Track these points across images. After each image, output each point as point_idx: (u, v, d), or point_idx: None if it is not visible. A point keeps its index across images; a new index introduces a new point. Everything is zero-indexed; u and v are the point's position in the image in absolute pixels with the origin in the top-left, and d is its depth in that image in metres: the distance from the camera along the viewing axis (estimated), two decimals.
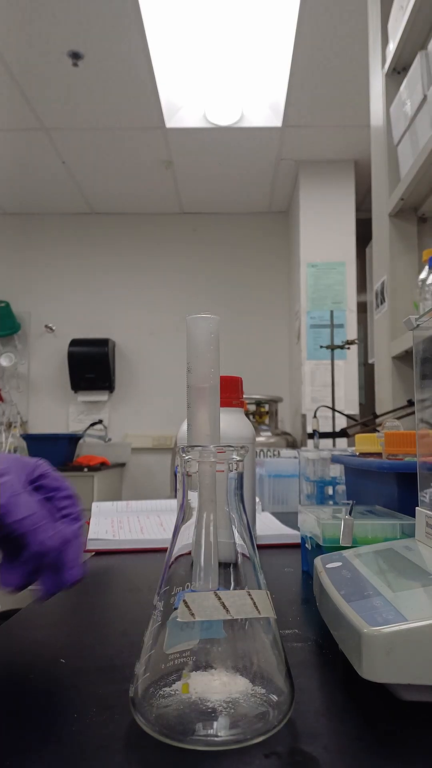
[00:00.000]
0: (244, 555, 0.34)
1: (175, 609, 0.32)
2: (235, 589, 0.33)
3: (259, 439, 3.24)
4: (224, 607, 0.31)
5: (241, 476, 0.35)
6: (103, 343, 4.09)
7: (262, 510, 1.28)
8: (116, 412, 4.19)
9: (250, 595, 0.32)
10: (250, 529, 0.35)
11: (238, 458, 0.34)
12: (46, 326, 4.21)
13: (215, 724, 0.31)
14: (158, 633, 0.33)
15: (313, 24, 2.49)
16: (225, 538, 0.34)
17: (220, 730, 0.30)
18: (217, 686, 0.32)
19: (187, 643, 0.32)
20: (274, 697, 0.32)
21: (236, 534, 0.34)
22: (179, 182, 3.93)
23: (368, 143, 2.12)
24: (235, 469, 0.34)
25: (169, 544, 0.35)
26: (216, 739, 0.30)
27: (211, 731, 0.30)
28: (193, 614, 0.31)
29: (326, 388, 3.39)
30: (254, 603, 0.32)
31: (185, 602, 0.31)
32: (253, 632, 0.33)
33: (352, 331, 3.58)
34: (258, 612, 0.32)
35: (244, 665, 0.33)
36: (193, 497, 0.34)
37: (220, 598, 0.31)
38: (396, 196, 1.72)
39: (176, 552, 0.34)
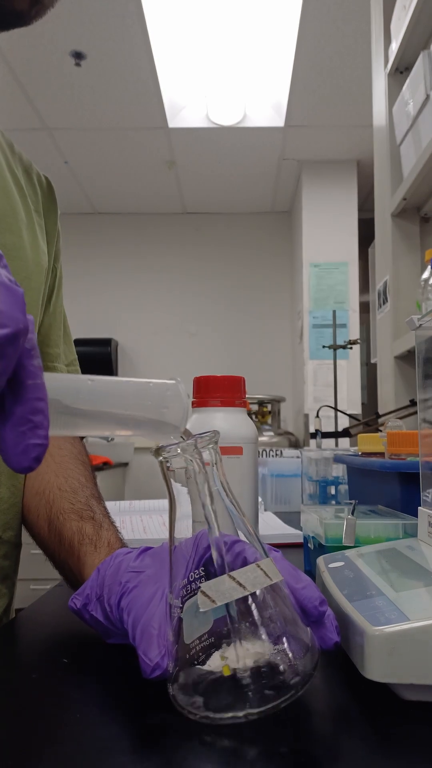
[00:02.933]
0: (238, 538, 0.36)
1: (186, 601, 0.33)
2: (242, 567, 0.34)
3: (262, 438, 3.24)
4: (240, 584, 0.32)
5: (219, 461, 0.35)
6: (106, 343, 4.09)
7: (265, 510, 1.27)
8: None
9: (259, 566, 0.33)
10: (241, 510, 0.36)
11: (212, 444, 0.35)
12: None
13: (260, 689, 0.31)
14: (179, 628, 0.34)
15: (316, 24, 2.49)
16: (215, 525, 0.35)
17: (267, 694, 0.31)
18: (250, 656, 0.32)
19: (204, 627, 0.33)
20: (302, 648, 0.33)
21: (227, 518, 0.35)
22: (182, 182, 3.93)
23: (371, 143, 2.12)
24: (213, 459, 0.35)
25: (168, 540, 0.35)
26: (269, 704, 0.31)
27: (258, 697, 0.31)
28: (213, 600, 0.32)
29: (329, 387, 3.39)
30: (265, 572, 0.33)
31: (203, 591, 0.32)
32: (266, 597, 0.34)
33: (354, 331, 3.57)
34: (270, 579, 0.33)
35: (266, 629, 0.33)
36: (179, 491, 0.35)
37: (234, 578, 0.32)
38: (398, 196, 1.71)
39: (175, 546, 0.35)
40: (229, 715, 0.31)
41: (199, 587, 0.32)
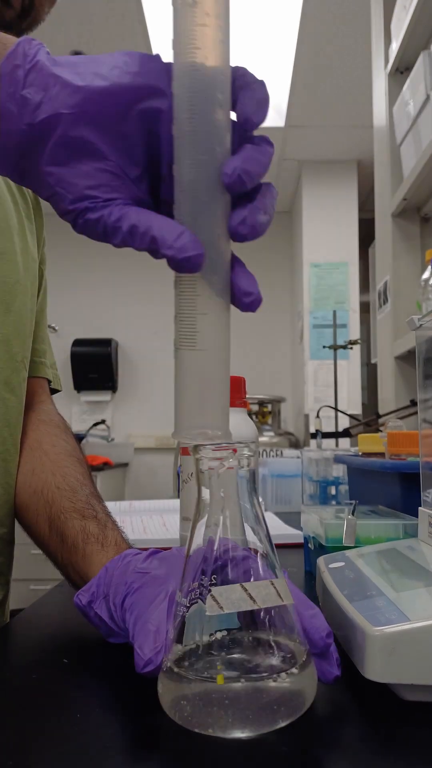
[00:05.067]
0: (255, 550, 0.35)
1: (194, 604, 0.33)
2: (245, 581, 0.33)
3: (262, 439, 3.24)
4: (251, 597, 0.32)
5: (253, 473, 0.35)
6: (106, 343, 4.09)
7: (265, 510, 1.28)
8: (119, 412, 4.18)
9: (273, 584, 0.33)
10: (265, 524, 0.36)
11: (249, 454, 0.34)
12: (49, 326, 4.19)
13: (252, 709, 0.30)
14: (181, 629, 0.33)
15: (316, 24, 2.49)
16: (236, 535, 0.34)
17: (259, 715, 0.30)
18: (248, 670, 0.32)
19: (206, 632, 0.33)
20: (303, 674, 0.32)
21: (248, 529, 0.35)
22: None
23: (371, 143, 2.12)
24: (247, 466, 0.35)
25: (188, 540, 0.35)
26: (259, 726, 0.30)
27: (248, 717, 0.30)
28: (221, 607, 0.32)
29: (329, 388, 3.38)
30: (277, 592, 0.33)
31: (213, 596, 0.32)
32: (274, 616, 0.33)
33: (355, 331, 3.57)
34: (281, 600, 0.33)
35: (269, 647, 0.33)
36: (206, 494, 0.34)
37: (246, 590, 0.32)
38: (399, 196, 1.71)
39: (194, 548, 0.35)
40: (217, 729, 0.30)
41: (209, 591, 0.32)
